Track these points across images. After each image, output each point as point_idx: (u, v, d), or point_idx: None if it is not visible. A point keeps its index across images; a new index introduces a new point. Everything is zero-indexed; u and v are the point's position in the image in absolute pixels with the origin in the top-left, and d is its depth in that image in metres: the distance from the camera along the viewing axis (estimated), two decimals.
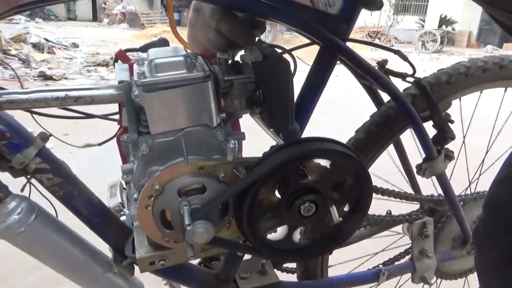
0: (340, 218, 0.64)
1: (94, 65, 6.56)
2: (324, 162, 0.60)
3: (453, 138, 0.85)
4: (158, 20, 15.75)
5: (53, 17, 16.28)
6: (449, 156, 0.88)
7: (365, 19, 13.21)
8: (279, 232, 0.66)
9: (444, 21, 16.10)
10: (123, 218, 0.80)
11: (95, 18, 18.39)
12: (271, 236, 0.67)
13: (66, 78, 5.51)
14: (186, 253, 0.66)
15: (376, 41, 14.25)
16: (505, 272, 0.62)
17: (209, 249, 0.68)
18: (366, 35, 14.40)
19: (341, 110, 4.12)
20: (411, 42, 14.74)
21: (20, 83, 0.94)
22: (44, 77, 5.33)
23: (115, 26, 15.97)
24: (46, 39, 7.58)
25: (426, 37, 13.02)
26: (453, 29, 15.68)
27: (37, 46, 7.19)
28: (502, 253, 0.62)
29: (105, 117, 0.85)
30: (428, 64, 9.16)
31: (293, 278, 1.03)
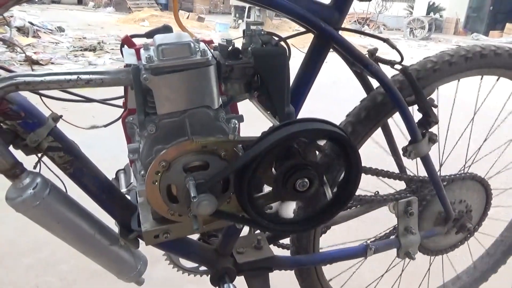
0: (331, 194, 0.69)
1: (81, 50, 6.47)
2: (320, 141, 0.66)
3: (436, 122, 0.91)
4: (145, 4, 15.48)
5: (37, 0, 15.85)
6: (432, 139, 0.94)
7: (354, 5, 13.20)
8: (276, 207, 0.72)
9: (432, 8, 16.20)
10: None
11: (80, 1, 17.99)
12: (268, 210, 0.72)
13: (53, 63, 5.42)
14: (188, 227, 0.71)
15: (365, 27, 14.29)
16: None
17: (211, 221, 0.73)
18: (355, 21, 14.41)
19: (329, 97, 4.18)
20: (400, 29, 14.82)
21: (30, 66, 0.96)
22: (31, 62, 5.24)
23: (101, 10, 15.66)
24: (31, 23, 7.42)
25: (414, 24, 13.11)
26: (441, 16, 15.81)
27: (21, 30, 7.03)
28: None
29: (104, 101, 0.88)
30: (416, 51, 9.25)
31: (287, 253, 1.09)
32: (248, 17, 11.43)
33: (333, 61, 1.14)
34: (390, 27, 15.92)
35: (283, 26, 11.37)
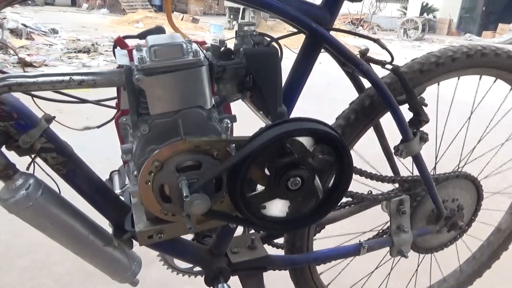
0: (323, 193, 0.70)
1: (75, 52, 6.45)
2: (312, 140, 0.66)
3: (427, 121, 0.92)
4: (139, 5, 15.44)
5: (30, 2, 15.77)
6: (423, 138, 0.95)
7: (348, 6, 13.28)
8: (268, 206, 0.72)
9: (425, 8, 16.32)
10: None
11: (73, 3, 17.94)
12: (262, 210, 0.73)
13: (46, 65, 5.39)
14: (182, 226, 0.72)
15: (359, 28, 14.37)
16: None
17: (205, 221, 0.73)
18: (349, 22, 14.48)
19: (324, 98, 4.20)
20: (394, 29, 14.91)
21: (23, 68, 0.96)
22: (24, 64, 5.21)
23: (95, 12, 15.62)
24: (24, 25, 7.38)
25: (408, 24, 13.21)
26: (434, 17, 15.93)
27: (15, 32, 6.99)
28: None
29: (98, 103, 0.88)
30: (410, 52, 9.30)
31: (281, 253, 1.09)
32: (243, 18, 11.45)
33: (328, 62, 1.14)
34: (384, 27, 16.01)
35: (278, 27, 11.39)
